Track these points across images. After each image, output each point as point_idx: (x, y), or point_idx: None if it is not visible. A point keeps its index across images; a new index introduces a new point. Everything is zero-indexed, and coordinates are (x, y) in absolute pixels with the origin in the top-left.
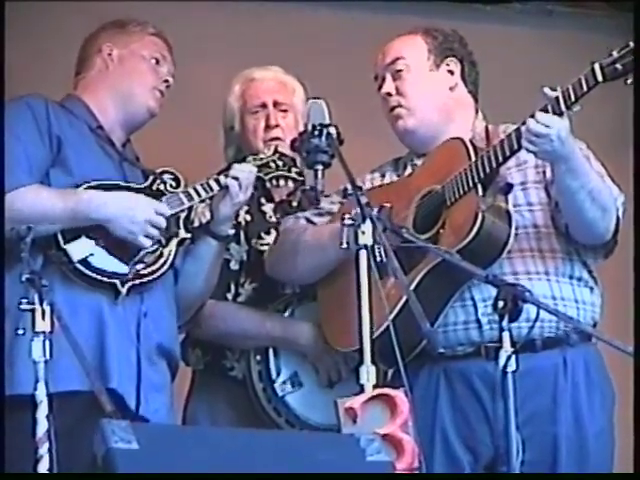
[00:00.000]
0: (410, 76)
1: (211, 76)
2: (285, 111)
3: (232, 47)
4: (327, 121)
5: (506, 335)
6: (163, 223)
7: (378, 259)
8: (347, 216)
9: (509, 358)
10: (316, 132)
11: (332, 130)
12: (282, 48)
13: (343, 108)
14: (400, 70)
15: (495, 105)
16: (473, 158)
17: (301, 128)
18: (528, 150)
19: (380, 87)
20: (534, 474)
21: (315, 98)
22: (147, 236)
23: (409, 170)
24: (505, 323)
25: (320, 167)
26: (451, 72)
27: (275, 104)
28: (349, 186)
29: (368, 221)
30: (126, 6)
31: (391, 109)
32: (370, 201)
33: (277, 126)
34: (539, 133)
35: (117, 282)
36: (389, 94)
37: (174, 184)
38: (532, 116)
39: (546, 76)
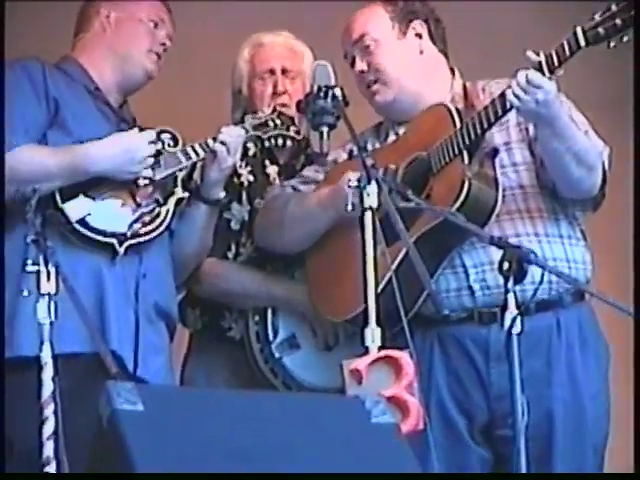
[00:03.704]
0: (379, 50)
1: (211, 38)
2: (293, 78)
3: (233, 9)
4: (333, 83)
5: (511, 297)
6: (154, 149)
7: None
8: (352, 178)
9: (514, 320)
10: (322, 94)
11: (338, 92)
12: (285, 11)
13: (348, 70)
14: (368, 46)
15: (487, 72)
16: (458, 125)
17: None
18: (512, 104)
19: (352, 64)
20: (535, 474)
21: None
22: (147, 168)
23: (392, 137)
24: (510, 285)
25: (325, 129)
26: (419, 35)
27: (283, 71)
28: (354, 148)
29: (373, 183)
30: None
31: (367, 86)
32: (352, 171)
33: (284, 92)
34: (528, 90)
35: (115, 242)
36: (362, 72)
37: (172, 143)
38: (524, 69)
39: (540, 45)
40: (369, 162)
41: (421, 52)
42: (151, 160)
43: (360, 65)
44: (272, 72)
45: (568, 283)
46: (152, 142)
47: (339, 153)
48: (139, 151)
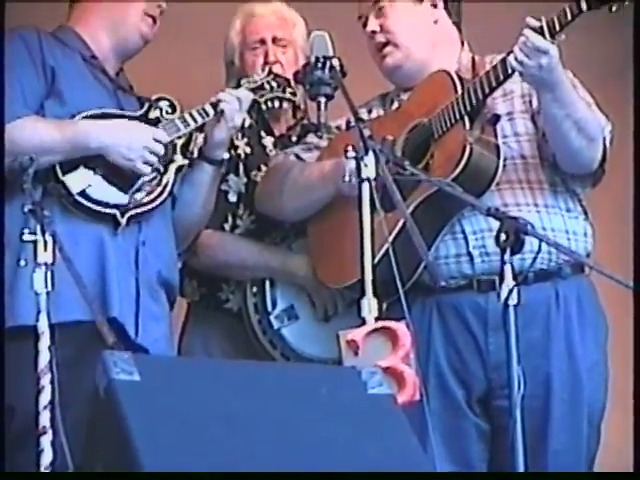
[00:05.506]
0: (394, 12)
1: (209, 4)
2: (285, 46)
3: None
4: (330, 53)
5: (508, 268)
6: (161, 150)
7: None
8: (350, 149)
9: (511, 291)
10: (319, 64)
11: (335, 62)
12: None
13: (346, 40)
14: (383, 7)
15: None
16: (459, 90)
17: (301, 63)
18: (514, 68)
19: (365, 26)
20: (535, 473)
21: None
22: (145, 163)
23: (396, 105)
24: (507, 256)
25: (323, 99)
26: (434, 5)
27: (274, 40)
28: (352, 118)
29: (371, 154)
30: None
31: (378, 49)
32: (352, 141)
33: (276, 62)
34: (531, 55)
35: (117, 213)
36: (374, 32)
37: (170, 110)
38: (530, 29)
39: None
40: (366, 133)
41: (435, 22)
42: (152, 158)
43: (372, 25)
44: (263, 42)
45: (565, 255)
46: (159, 141)
47: (344, 121)
48: (140, 140)
